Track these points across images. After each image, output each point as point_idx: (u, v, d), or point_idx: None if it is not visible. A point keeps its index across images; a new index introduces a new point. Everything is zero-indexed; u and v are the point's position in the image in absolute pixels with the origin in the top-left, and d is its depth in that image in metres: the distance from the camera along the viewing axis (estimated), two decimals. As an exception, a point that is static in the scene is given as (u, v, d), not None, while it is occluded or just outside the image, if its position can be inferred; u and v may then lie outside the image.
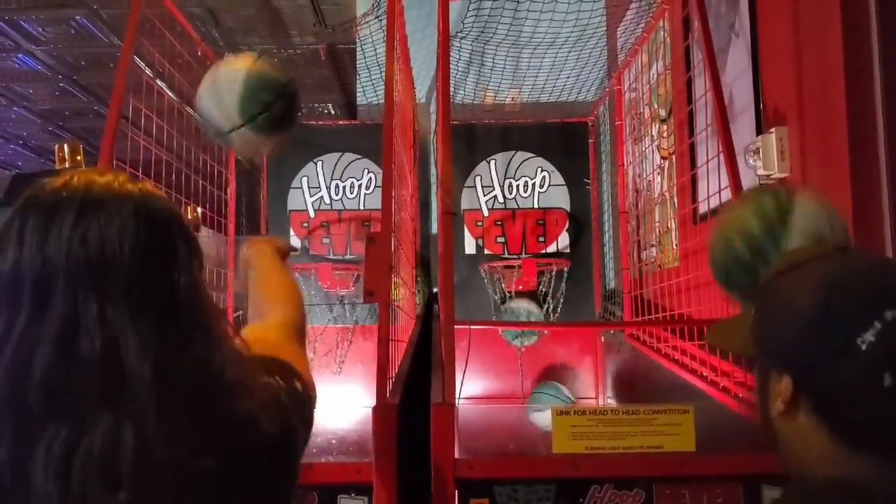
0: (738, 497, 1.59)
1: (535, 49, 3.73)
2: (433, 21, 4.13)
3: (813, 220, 1.22)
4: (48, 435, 0.65)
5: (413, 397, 2.04)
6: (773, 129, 2.15)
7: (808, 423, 0.77)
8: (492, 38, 3.69)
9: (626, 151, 3.81)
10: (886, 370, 0.69)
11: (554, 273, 3.98)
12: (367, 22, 4.08)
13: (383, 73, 2.46)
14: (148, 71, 2.83)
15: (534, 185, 4.23)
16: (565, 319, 4.00)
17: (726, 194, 2.23)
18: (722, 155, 2.16)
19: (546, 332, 3.84)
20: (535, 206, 4.22)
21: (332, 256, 4.17)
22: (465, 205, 4.20)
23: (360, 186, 4.25)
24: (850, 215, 1.82)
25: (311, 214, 4.25)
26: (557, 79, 4.06)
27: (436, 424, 1.61)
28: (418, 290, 3.93)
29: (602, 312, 4.13)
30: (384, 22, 3.08)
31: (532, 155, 4.25)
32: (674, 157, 3.12)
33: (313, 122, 4.53)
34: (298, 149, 4.26)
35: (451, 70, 2.50)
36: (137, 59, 2.60)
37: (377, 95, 4.20)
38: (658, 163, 3.33)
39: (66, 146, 4.74)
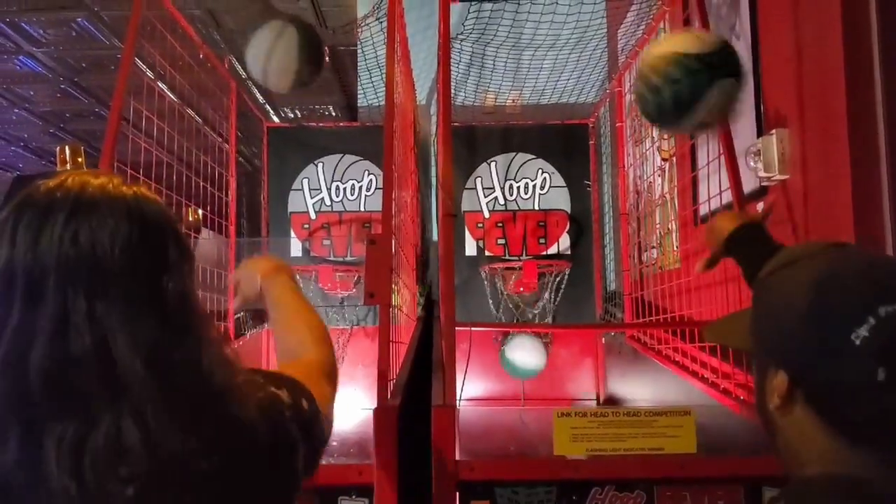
0: (739, 499, 1.59)
1: (535, 51, 3.73)
2: (434, 23, 4.13)
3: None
4: (56, 433, 0.66)
5: (414, 399, 2.04)
6: (773, 131, 2.15)
7: (804, 417, 0.77)
8: (492, 39, 3.70)
9: (627, 153, 3.81)
10: (881, 365, 0.70)
11: (554, 275, 3.98)
12: (367, 24, 4.09)
13: (384, 75, 2.47)
14: (149, 73, 2.83)
15: (534, 186, 4.23)
16: (566, 321, 4.00)
17: (727, 196, 2.23)
18: (722, 157, 2.16)
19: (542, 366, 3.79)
20: (536, 207, 4.22)
21: (332, 258, 4.17)
22: (465, 206, 4.20)
23: (360, 188, 4.26)
24: (851, 216, 1.82)
25: (312, 216, 4.25)
26: (558, 81, 4.06)
27: (436, 426, 1.61)
28: (419, 292, 3.92)
29: (603, 314, 4.13)
30: (385, 24, 3.08)
31: (533, 156, 4.25)
32: (674, 158, 3.12)
33: (314, 124, 4.55)
34: (299, 150, 4.26)
35: (452, 72, 2.50)
36: (138, 61, 2.61)
37: (378, 97, 4.21)
38: (659, 164, 3.34)
39: (67, 148, 4.75)
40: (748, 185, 2.19)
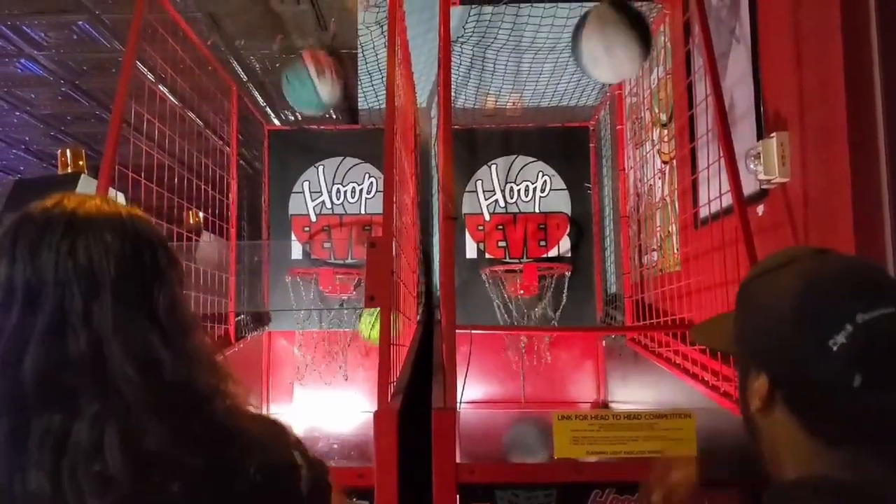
0: (738, 502, 1.59)
1: (535, 54, 3.73)
2: (434, 26, 4.14)
3: None
4: (39, 429, 0.69)
5: (414, 402, 2.04)
6: (773, 134, 2.16)
7: (783, 418, 0.81)
8: (493, 43, 3.70)
9: (627, 156, 3.81)
10: (857, 371, 0.73)
11: (555, 277, 3.98)
12: (368, 27, 4.10)
13: (384, 78, 2.47)
14: (150, 76, 2.84)
15: (535, 189, 4.23)
16: (567, 324, 4.01)
17: (727, 199, 2.23)
18: (723, 160, 2.16)
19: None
20: (537, 210, 4.22)
21: (333, 261, 4.17)
22: (466, 209, 4.21)
23: (361, 191, 4.26)
24: (851, 219, 1.82)
25: (313, 219, 4.25)
26: (558, 83, 4.06)
27: (437, 429, 1.61)
28: (419, 294, 3.93)
29: (603, 317, 4.13)
30: (385, 27, 3.09)
31: (533, 159, 4.26)
32: (674, 161, 3.12)
33: (315, 127, 4.54)
34: (300, 153, 4.27)
35: (453, 75, 2.51)
36: (139, 64, 2.61)
37: (378, 100, 4.21)
38: (659, 167, 3.34)
39: (68, 151, 4.77)
40: (748, 188, 2.19)
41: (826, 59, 1.95)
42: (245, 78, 6.43)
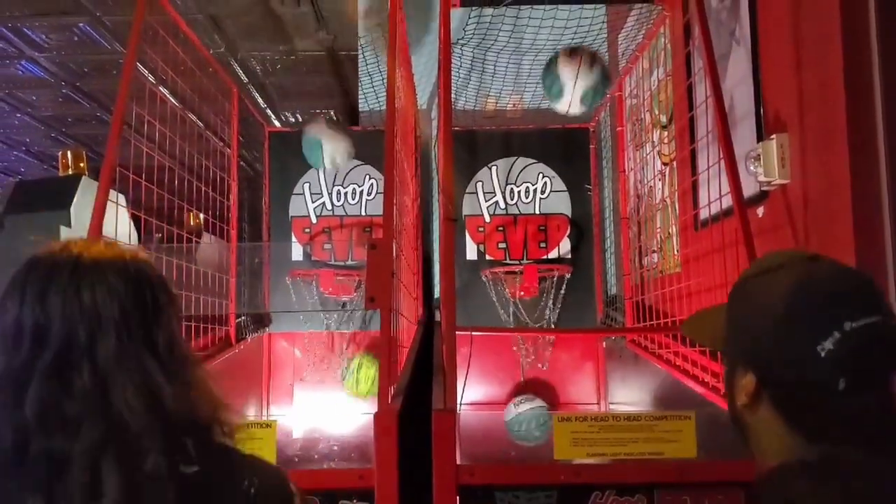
0: (738, 503, 1.59)
1: (536, 56, 3.73)
2: (434, 28, 4.14)
3: None
4: (38, 452, 0.75)
5: (414, 403, 2.04)
6: (773, 136, 2.16)
7: (768, 416, 0.85)
8: (493, 44, 3.71)
9: (627, 157, 3.81)
10: (842, 375, 0.78)
11: (555, 279, 3.98)
12: (368, 28, 4.10)
13: (385, 80, 2.48)
14: (151, 77, 2.84)
15: (535, 190, 4.23)
16: (567, 325, 4.00)
17: (727, 200, 2.24)
18: (723, 161, 2.16)
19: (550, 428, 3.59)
20: (537, 211, 4.23)
21: (333, 262, 4.18)
22: (466, 210, 4.21)
23: (361, 192, 4.26)
24: (851, 220, 1.82)
25: (313, 220, 4.25)
26: (558, 85, 4.06)
27: (437, 431, 1.61)
28: (420, 296, 3.93)
29: (603, 318, 4.13)
30: (385, 29, 3.09)
31: (533, 161, 4.26)
32: (675, 163, 3.12)
33: (315, 128, 4.53)
34: (300, 155, 4.27)
35: (453, 76, 2.51)
36: (140, 66, 2.62)
37: (379, 102, 4.21)
38: (659, 169, 3.34)
39: (69, 153, 4.77)
40: (748, 190, 2.20)
41: (826, 61, 1.95)
42: (246, 79, 6.44)
